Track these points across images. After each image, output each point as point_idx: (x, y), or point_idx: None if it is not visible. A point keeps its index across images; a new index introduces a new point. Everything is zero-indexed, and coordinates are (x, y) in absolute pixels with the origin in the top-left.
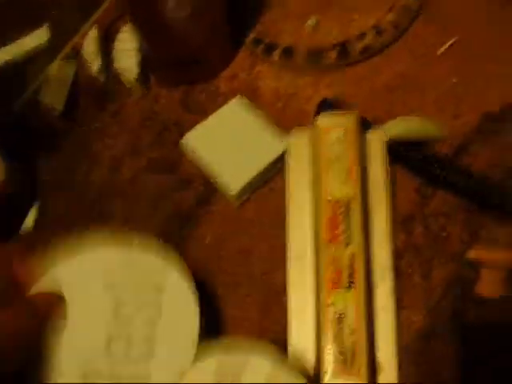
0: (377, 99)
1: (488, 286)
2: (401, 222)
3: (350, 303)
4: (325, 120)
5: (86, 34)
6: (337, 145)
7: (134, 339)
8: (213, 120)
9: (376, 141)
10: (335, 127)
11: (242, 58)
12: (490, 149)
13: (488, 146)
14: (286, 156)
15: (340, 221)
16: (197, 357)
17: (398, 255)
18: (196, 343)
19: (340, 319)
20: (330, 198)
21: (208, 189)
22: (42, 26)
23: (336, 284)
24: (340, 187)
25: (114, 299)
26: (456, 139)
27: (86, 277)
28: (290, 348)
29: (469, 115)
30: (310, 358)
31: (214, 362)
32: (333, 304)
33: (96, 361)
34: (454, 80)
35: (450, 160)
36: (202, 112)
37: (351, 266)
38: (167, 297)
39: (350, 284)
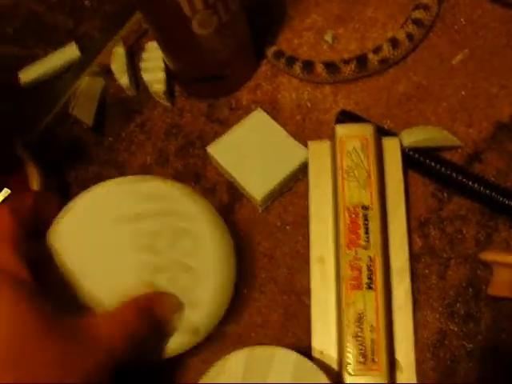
0: (393, 109)
1: (500, 286)
2: (418, 226)
3: (369, 303)
4: (343, 130)
5: (112, 50)
6: (355, 154)
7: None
8: (236, 131)
9: (393, 149)
10: (353, 137)
11: (264, 70)
12: (502, 157)
13: (499, 155)
14: (307, 164)
15: (359, 226)
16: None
17: (415, 258)
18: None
19: (360, 318)
20: (348, 204)
21: (232, 196)
22: (69, 43)
23: (356, 285)
24: (359, 195)
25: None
26: (468, 148)
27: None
28: (313, 348)
29: (481, 124)
30: (332, 356)
31: (243, 354)
32: (353, 304)
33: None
34: (467, 90)
35: (464, 166)
36: (225, 124)
37: (370, 268)
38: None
39: (370, 285)
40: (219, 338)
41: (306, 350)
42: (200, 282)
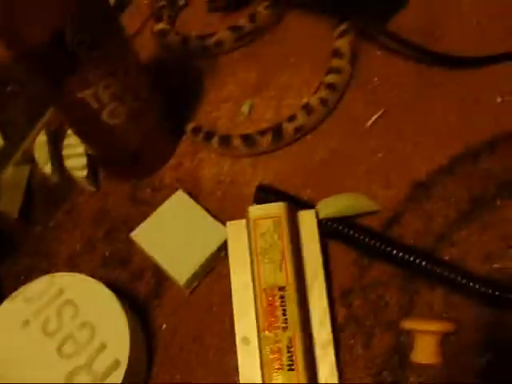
0: (312, 177)
1: (422, 353)
2: (341, 296)
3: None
4: (255, 212)
5: (35, 137)
6: (269, 235)
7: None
8: (158, 215)
9: (309, 222)
10: (265, 218)
11: (185, 147)
12: (419, 217)
13: (417, 215)
14: (226, 245)
15: (276, 308)
16: None
17: (340, 328)
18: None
19: None
20: (264, 286)
21: (159, 280)
22: None
23: (278, 367)
24: (273, 276)
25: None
26: (387, 211)
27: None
28: None
29: (398, 185)
30: None
31: None
32: None
33: None
34: (383, 151)
35: (383, 231)
36: (149, 205)
37: (290, 350)
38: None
39: (291, 366)
40: None
41: None
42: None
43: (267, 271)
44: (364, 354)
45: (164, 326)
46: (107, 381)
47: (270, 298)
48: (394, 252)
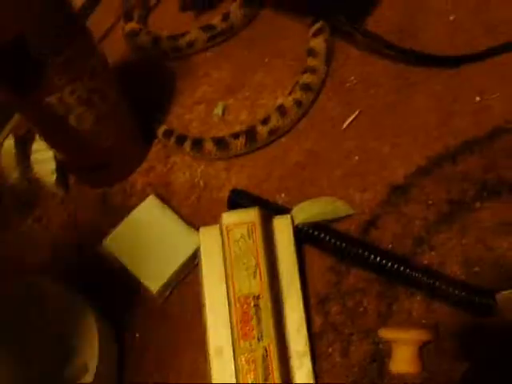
0: (287, 181)
1: (400, 362)
2: (318, 303)
3: None
4: (228, 218)
5: (2, 142)
6: (242, 241)
7: None
8: (129, 222)
9: (283, 228)
10: (239, 224)
11: (156, 151)
12: (397, 221)
13: (395, 218)
14: (198, 253)
15: (251, 317)
16: None
17: (317, 336)
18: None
19: None
20: (239, 294)
21: (132, 288)
22: None
23: (253, 378)
24: (248, 284)
25: None
26: (364, 214)
27: None
28: None
29: (375, 188)
30: None
31: None
32: None
33: None
34: (359, 153)
35: (359, 236)
36: (121, 211)
37: (266, 359)
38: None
39: (267, 376)
40: None
41: None
42: None
43: (241, 279)
44: (342, 362)
45: (137, 335)
46: None
47: (245, 307)
48: (372, 258)
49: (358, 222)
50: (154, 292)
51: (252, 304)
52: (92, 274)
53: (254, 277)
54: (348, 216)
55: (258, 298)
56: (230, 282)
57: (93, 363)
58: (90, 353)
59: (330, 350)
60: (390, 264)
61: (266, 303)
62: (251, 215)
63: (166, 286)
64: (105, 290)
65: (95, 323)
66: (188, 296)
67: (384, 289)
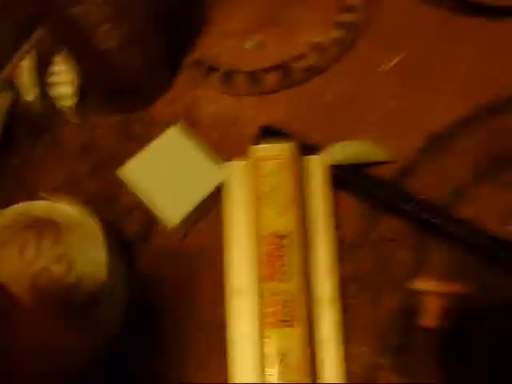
0: (319, 121)
1: (430, 315)
2: (346, 251)
3: (291, 341)
4: (260, 150)
5: (20, 63)
6: (273, 176)
7: None
8: (150, 150)
9: (317, 167)
10: (271, 157)
11: (181, 82)
12: (435, 171)
13: (432, 169)
14: (222, 187)
15: (278, 256)
16: None
17: (344, 285)
18: None
19: (282, 358)
20: (266, 232)
21: (148, 222)
22: None
23: (274, 322)
24: (277, 221)
25: None
26: (399, 162)
27: None
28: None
29: (413, 135)
30: None
31: None
32: (274, 342)
33: None
34: (398, 99)
35: (395, 183)
36: (140, 141)
37: (291, 302)
38: None
39: (291, 321)
40: None
41: None
42: None
43: (269, 217)
44: (370, 314)
45: (151, 272)
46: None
47: (271, 246)
48: (406, 206)
49: (392, 169)
50: (172, 227)
51: (279, 243)
52: (105, 204)
53: (283, 215)
54: (383, 162)
55: (285, 237)
56: (258, 219)
57: (100, 295)
58: (99, 285)
59: (358, 300)
60: (425, 214)
61: (295, 243)
62: (284, 149)
63: (184, 222)
64: (118, 222)
65: (107, 254)
66: (207, 235)
67: (417, 240)
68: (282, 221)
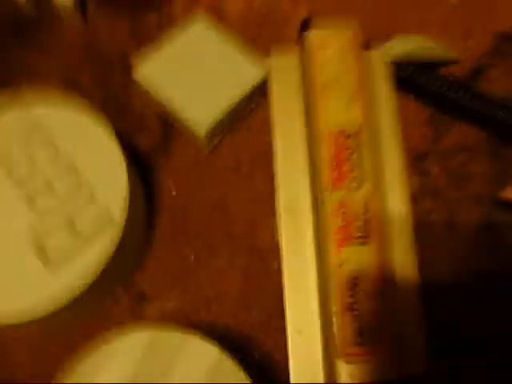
0: (371, 17)
1: None
2: (413, 162)
3: (365, 261)
4: (318, 36)
5: None
6: (334, 65)
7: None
8: (169, 47)
9: (378, 62)
10: (331, 44)
11: None
12: (508, 73)
13: (505, 70)
14: (267, 83)
15: (347, 157)
16: None
17: (413, 200)
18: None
19: (353, 285)
20: (331, 129)
21: (167, 132)
22: None
23: (346, 239)
24: (344, 115)
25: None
26: (467, 63)
27: None
28: (288, 326)
29: (481, 35)
30: (314, 337)
31: (147, 336)
32: (343, 265)
33: None
34: None
35: (466, 84)
36: (153, 42)
37: (365, 215)
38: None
39: (365, 237)
40: (158, 317)
41: (275, 331)
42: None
43: (331, 112)
44: (445, 233)
45: (174, 192)
46: (94, 244)
47: (336, 147)
48: (482, 109)
49: (461, 70)
50: (200, 137)
51: (349, 142)
52: (116, 114)
53: (349, 109)
54: (449, 63)
55: (354, 135)
56: (318, 115)
57: (117, 216)
58: (115, 204)
59: (432, 217)
60: (504, 118)
61: (366, 141)
62: (347, 34)
63: (215, 130)
64: (132, 133)
65: (124, 165)
66: (243, 145)
67: (495, 148)
68: (349, 116)
